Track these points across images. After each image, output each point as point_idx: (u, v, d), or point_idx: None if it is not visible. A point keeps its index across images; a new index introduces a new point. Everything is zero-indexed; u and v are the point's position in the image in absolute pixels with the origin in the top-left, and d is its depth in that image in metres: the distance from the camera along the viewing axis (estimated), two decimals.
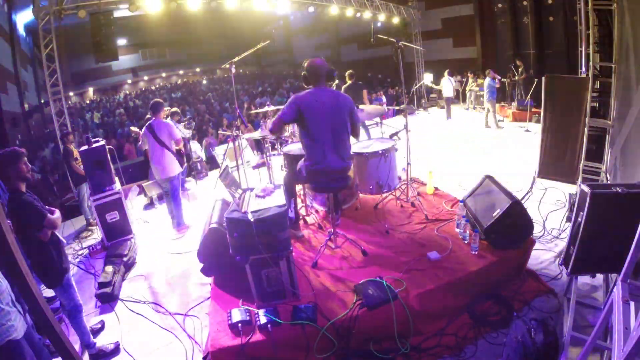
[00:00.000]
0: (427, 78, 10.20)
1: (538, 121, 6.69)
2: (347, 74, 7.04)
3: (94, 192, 4.36)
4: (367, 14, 10.64)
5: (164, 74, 26.61)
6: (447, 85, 10.12)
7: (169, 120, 4.52)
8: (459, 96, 11.99)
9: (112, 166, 4.55)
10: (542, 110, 4.91)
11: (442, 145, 7.44)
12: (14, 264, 1.84)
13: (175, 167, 4.45)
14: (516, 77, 10.24)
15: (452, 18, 13.64)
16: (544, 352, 2.04)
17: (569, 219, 3.64)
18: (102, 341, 2.87)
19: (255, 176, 5.17)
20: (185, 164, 4.70)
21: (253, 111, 4.87)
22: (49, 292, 3.20)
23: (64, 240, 2.70)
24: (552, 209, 4.10)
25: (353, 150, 3.75)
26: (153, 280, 3.69)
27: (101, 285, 3.41)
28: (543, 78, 4.78)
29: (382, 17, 11.25)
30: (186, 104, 16.03)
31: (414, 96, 12.04)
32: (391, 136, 3.99)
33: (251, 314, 2.50)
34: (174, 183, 4.48)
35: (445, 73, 10.30)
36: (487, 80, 8.39)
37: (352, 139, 3.11)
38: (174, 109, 6.65)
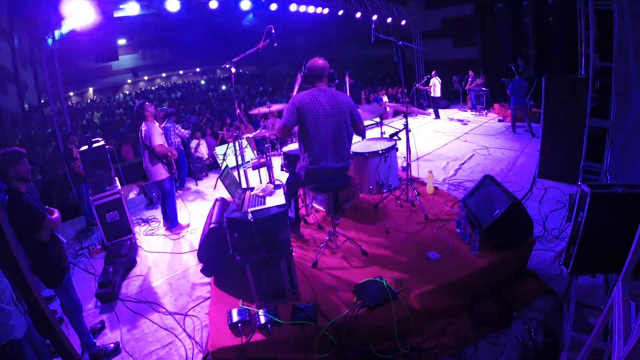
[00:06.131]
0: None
1: (538, 121, 6.69)
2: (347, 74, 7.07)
3: (94, 192, 4.36)
4: (367, 14, 10.64)
5: (164, 74, 26.58)
6: (436, 85, 10.17)
7: (156, 122, 4.41)
8: (459, 96, 11.99)
9: (112, 166, 4.54)
10: (542, 111, 4.92)
11: (441, 146, 7.44)
12: (14, 264, 1.84)
13: (160, 172, 4.31)
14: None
15: (452, 18, 13.61)
16: (544, 352, 2.04)
17: (569, 219, 3.64)
18: (102, 341, 2.87)
19: (255, 176, 5.17)
20: (175, 170, 4.52)
21: (253, 112, 4.86)
22: (48, 292, 3.21)
23: (64, 240, 2.69)
24: (552, 209, 4.10)
25: (353, 150, 3.75)
26: (153, 280, 3.69)
27: (101, 285, 3.40)
28: (543, 78, 4.79)
29: (382, 17, 11.24)
30: (185, 104, 16.02)
31: (414, 96, 12.03)
32: (391, 136, 3.99)
33: (251, 314, 2.50)
34: (163, 186, 4.40)
35: (433, 73, 10.36)
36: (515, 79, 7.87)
37: (354, 138, 3.12)
38: (170, 109, 6.64)
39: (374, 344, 2.43)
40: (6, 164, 2.33)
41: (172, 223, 4.69)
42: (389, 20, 11.40)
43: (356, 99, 6.31)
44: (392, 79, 16.01)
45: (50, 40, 6.48)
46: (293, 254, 2.55)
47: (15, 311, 1.85)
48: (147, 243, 4.51)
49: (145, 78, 25.81)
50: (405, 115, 4.04)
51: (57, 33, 6.45)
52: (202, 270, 3.15)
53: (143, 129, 4.25)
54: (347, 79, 7.03)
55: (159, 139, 4.23)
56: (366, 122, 7.82)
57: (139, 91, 24.33)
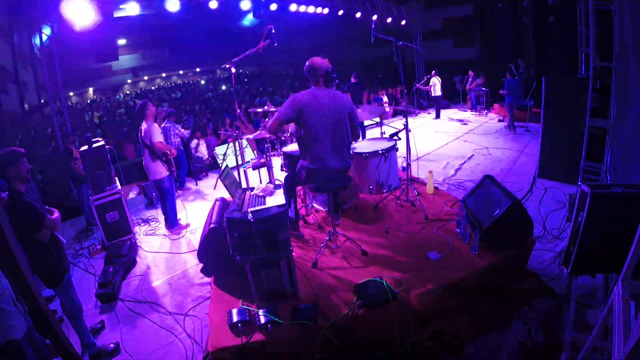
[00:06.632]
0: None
1: (538, 121, 6.69)
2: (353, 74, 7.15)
3: (94, 192, 4.36)
4: (367, 14, 10.64)
5: (164, 74, 26.58)
6: (436, 84, 10.19)
7: (156, 122, 4.41)
8: (459, 96, 12.00)
9: (112, 166, 4.54)
10: (542, 110, 4.92)
11: (442, 146, 7.44)
12: (14, 264, 1.84)
13: (159, 171, 4.33)
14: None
15: (452, 18, 13.62)
16: (544, 352, 2.04)
17: (569, 219, 3.64)
18: (102, 341, 2.87)
19: (255, 176, 5.16)
20: (174, 168, 4.53)
21: (252, 110, 4.86)
22: (48, 292, 3.20)
23: (64, 241, 2.69)
24: (552, 209, 4.10)
25: (353, 150, 3.75)
26: (153, 280, 3.69)
27: (101, 285, 3.40)
28: (543, 78, 4.79)
29: (382, 17, 11.24)
30: (185, 104, 16.02)
31: (414, 96, 12.03)
32: (391, 136, 3.99)
33: (251, 314, 2.50)
34: (161, 185, 4.41)
35: (432, 73, 10.39)
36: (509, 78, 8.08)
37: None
38: (170, 109, 6.64)
39: (373, 343, 2.43)
40: (6, 163, 2.33)
41: (171, 223, 4.69)
42: (389, 20, 11.40)
43: (355, 99, 6.35)
44: (392, 79, 16.02)
45: (49, 41, 6.48)
46: (293, 254, 2.55)
47: (15, 311, 1.85)
48: (147, 243, 4.51)
49: (145, 78, 25.81)
50: (405, 115, 4.04)
51: (56, 33, 6.45)
52: (202, 270, 3.15)
53: (143, 127, 4.29)
54: (352, 78, 7.07)
55: (158, 137, 4.29)
56: (366, 122, 7.88)
57: (139, 91, 24.33)
